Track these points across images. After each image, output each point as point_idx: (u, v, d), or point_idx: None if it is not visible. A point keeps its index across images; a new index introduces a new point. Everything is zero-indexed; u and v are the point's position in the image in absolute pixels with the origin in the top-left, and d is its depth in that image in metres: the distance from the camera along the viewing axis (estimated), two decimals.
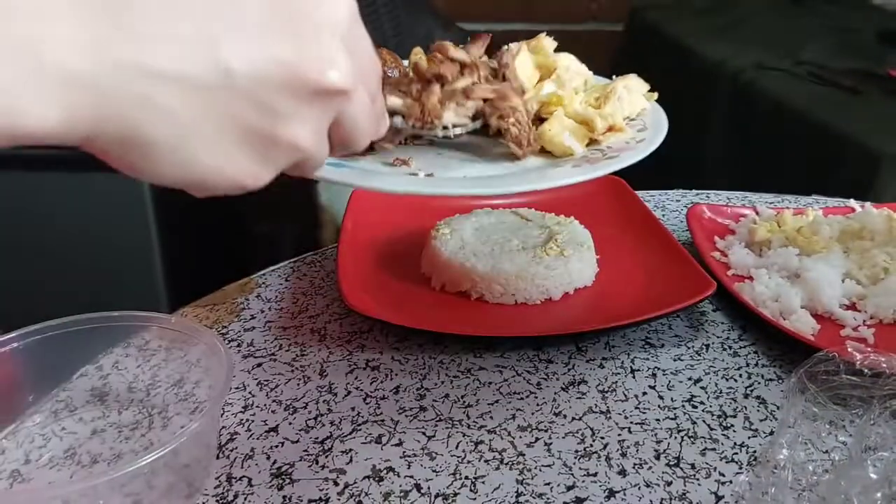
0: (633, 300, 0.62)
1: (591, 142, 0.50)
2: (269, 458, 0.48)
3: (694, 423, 0.50)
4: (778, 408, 0.52)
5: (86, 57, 0.24)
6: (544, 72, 0.55)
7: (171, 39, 0.26)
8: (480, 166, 0.47)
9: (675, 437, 0.49)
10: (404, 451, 0.48)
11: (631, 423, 0.50)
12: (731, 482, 0.45)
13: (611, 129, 0.50)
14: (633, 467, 0.47)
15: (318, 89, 0.29)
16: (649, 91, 0.55)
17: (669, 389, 0.54)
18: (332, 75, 0.29)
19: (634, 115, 0.53)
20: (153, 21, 0.25)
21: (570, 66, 0.54)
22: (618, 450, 0.48)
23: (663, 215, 0.80)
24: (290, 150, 0.30)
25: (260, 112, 0.28)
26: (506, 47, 0.52)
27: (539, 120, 0.51)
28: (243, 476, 0.46)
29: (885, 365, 0.43)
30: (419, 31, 1.72)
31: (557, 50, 0.56)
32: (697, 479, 0.46)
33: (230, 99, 0.27)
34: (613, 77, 0.56)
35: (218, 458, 0.48)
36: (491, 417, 0.51)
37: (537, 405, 0.52)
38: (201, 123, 0.27)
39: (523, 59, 0.53)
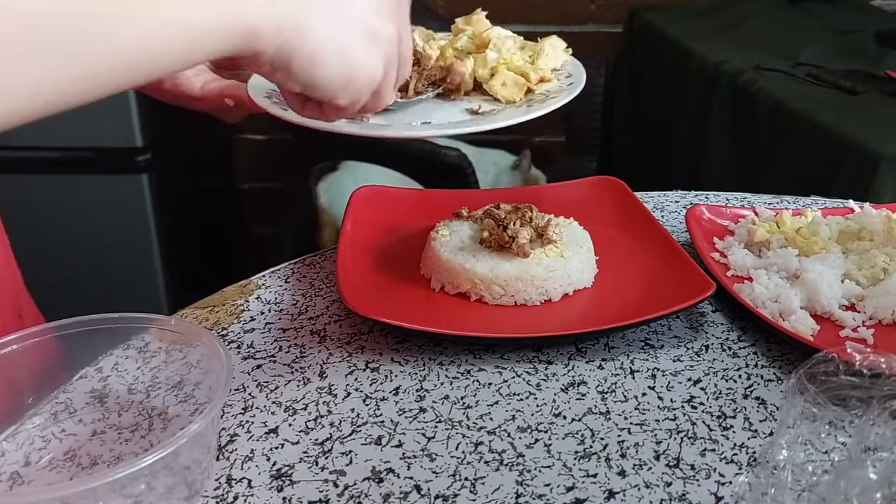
0: (632, 301, 0.62)
1: (528, 91, 0.65)
2: (268, 459, 0.48)
3: (693, 423, 0.50)
4: (777, 408, 0.52)
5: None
6: (481, 42, 0.70)
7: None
8: (438, 116, 0.63)
9: (675, 438, 0.49)
10: (404, 453, 0.48)
11: (630, 423, 0.50)
12: (730, 483, 0.45)
13: (542, 80, 0.65)
14: (633, 468, 0.47)
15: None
16: (567, 48, 0.70)
17: (669, 390, 0.54)
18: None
19: (559, 66, 0.68)
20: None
21: (501, 34, 0.69)
22: (617, 451, 0.48)
23: (662, 216, 0.80)
24: (387, 43, 0.44)
25: (375, 12, 0.44)
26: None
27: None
28: (243, 477, 0.46)
29: (884, 365, 0.43)
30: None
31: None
32: (697, 480, 0.46)
33: (359, 2, 0.43)
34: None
35: (218, 459, 0.48)
36: (491, 418, 0.51)
37: (537, 406, 0.52)
38: (344, 20, 0.42)
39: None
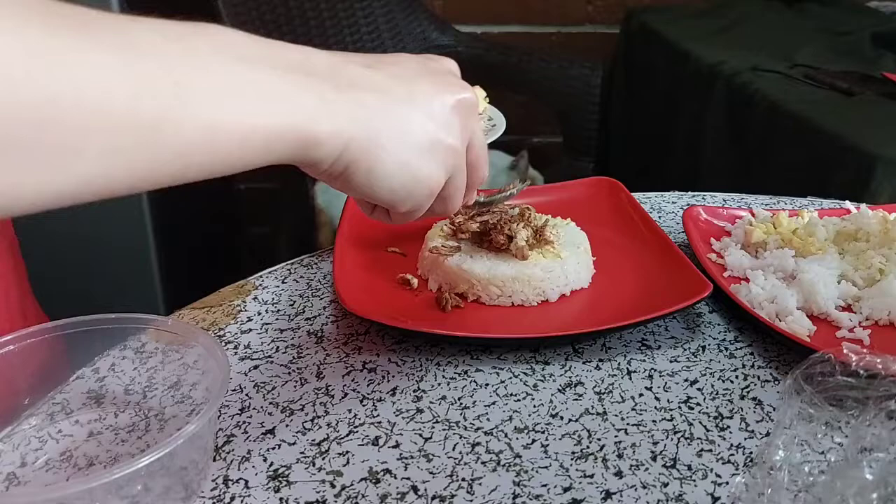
0: (629, 302, 0.62)
1: None
2: (265, 460, 0.48)
3: (690, 424, 0.50)
4: (774, 409, 0.52)
5: (338, 96, 0.39)
6: None
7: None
8: None
9: (672, 439, 0.49)
10: (401, 453, 0.48)
11: (627, 424, 0.51)
12: (727, 483, 0.46)
13: None
14: (630, 469, 0.47)
15: (458, 99, 0.45)
16: (486, 98, 0.74)
17: (666, 391, 0.54)
18: (465, 94, 0.46)
19: (481, 111, 0.71)
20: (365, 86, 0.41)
21: None
22: (614, 451, 0.48)
23: (659, 217, 0.80)
24: (450, 154, 0.45)
25: (434, 124, 0.44)
26: None
27: None
28: (240, 478, 0.46)
29: (880, 366, 0.43)
30: (416, 32, 1.72)
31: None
32: (694, 481, 0.46)
33: (419, 116, 0.43)
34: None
35: (215, 460, 0.48)
36: (488, 419, 0.51)
37: (534, 407, 0.52)
38: (403, 135, 0.42)
39: None
